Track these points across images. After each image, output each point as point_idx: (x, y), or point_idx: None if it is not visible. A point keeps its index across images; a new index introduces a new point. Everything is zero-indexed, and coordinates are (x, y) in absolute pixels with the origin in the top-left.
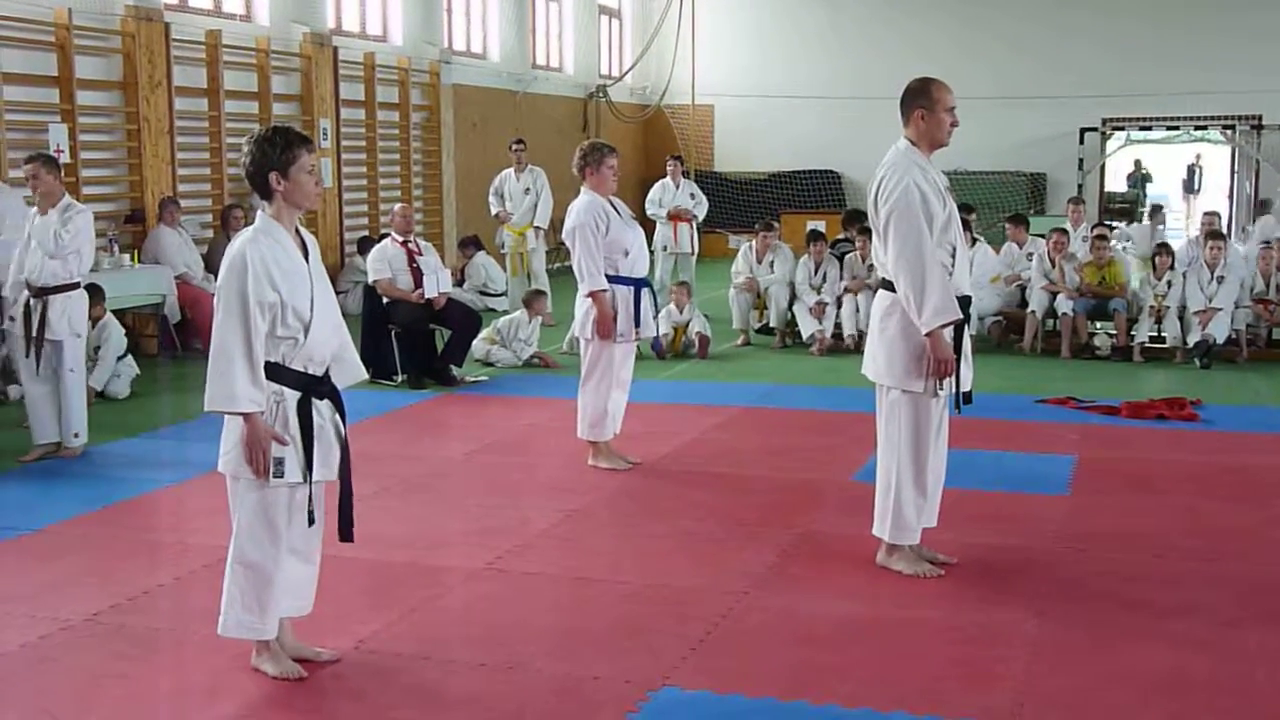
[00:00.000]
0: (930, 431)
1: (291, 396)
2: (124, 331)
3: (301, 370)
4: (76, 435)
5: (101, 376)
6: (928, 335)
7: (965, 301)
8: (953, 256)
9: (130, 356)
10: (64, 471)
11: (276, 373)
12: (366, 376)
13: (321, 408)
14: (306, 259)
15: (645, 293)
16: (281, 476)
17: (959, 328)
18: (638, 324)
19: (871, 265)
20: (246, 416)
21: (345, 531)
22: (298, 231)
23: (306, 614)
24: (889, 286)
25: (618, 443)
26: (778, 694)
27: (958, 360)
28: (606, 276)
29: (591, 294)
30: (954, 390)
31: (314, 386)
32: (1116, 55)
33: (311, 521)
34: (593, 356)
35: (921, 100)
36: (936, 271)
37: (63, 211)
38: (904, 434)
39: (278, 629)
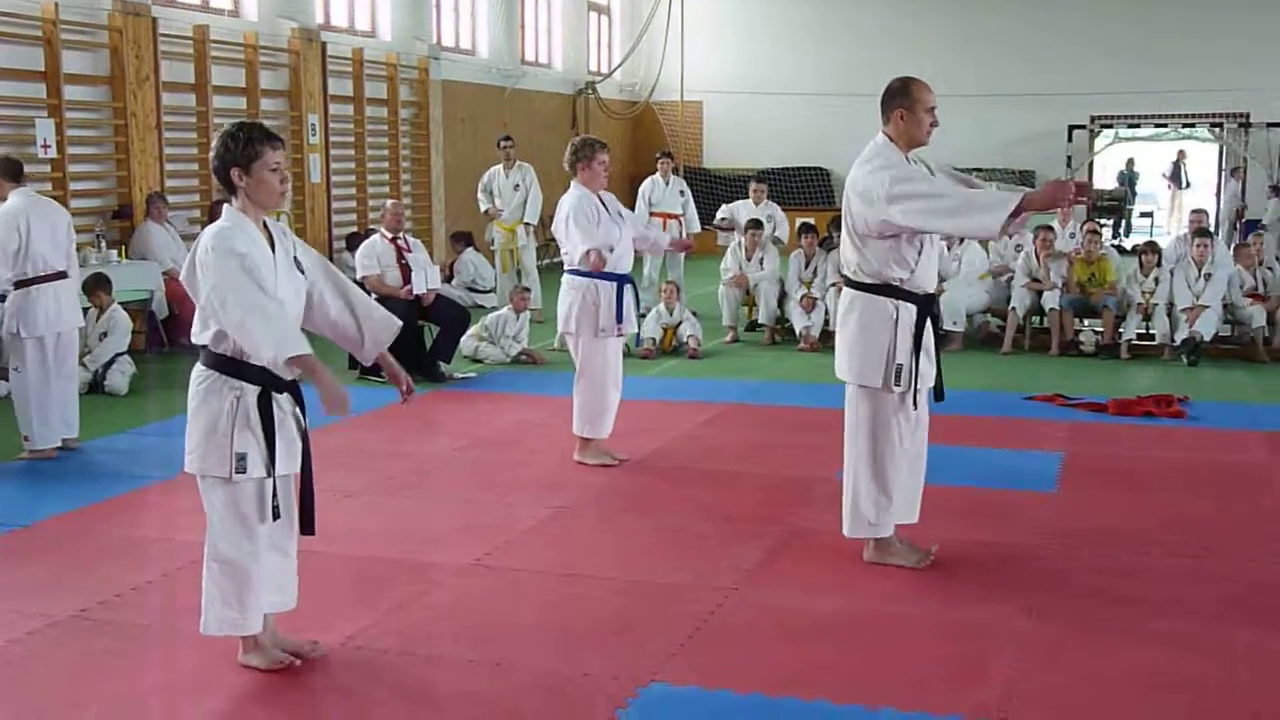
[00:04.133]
0: (889, 427)
1: (251, 391)
2: (130, 325)
3: (264, 365)
4: (27, 439)
5: (102, 355)
6: (1019, 212)
7: (929, 300)
8: (919, 253)
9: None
10: (52, 468)
11: (238, 368)
12: (400, 325)
13: (282, 401)
14: (273, 251)
15: (628, 289)
16: (244, 472)
17: (921, 324)
18: (620, 319)
19: None
20: (301, 359)
21: (306, 524)
22: (265, 225)
23: (291, 609)
24: (851, 284)
25: (606, 439)
26: (766, 690)
27: (919, 356)
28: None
29: (586, 253)
30: (912, 386)
31: (274, 380)
32: (1105, 53)
33: (276, 516)
34: (585, 353)
35: (902, 100)
36: (961, 192)
37: None
38: (861, 429)
39: (262, 625)
